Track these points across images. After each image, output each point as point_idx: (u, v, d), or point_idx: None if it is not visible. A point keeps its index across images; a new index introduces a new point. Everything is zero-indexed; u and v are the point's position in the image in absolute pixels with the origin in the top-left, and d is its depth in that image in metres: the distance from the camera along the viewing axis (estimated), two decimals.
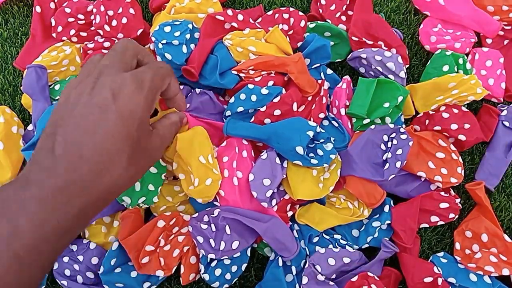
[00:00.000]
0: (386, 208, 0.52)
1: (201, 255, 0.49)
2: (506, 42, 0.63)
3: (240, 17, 0.57)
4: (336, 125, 0.55)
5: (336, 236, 0.52)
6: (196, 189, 0.48)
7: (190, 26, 0.55)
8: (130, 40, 0.44)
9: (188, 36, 0.54)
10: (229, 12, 0.57)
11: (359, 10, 0.60)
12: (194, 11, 0.59)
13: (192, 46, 0.55)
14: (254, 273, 0.53)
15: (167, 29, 0.54)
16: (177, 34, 0.54)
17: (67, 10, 0.59)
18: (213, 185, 0.48)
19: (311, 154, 0.50)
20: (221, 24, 0.57)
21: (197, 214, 0.50)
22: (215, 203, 0.51)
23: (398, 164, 0.50)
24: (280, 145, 0.49)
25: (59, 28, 0.59)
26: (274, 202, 0.49)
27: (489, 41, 0.63)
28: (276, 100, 0.52)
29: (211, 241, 0.47)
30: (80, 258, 0.50)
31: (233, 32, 0.57)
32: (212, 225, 0.48)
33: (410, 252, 0.52)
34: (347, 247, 0.51)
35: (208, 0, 0.59)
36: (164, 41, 0.53)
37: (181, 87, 0.55)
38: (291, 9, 0.59)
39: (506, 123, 0.57)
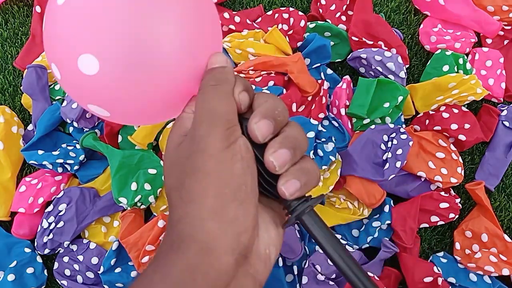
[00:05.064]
0: (386, 208, 0.52)
1: None
2: (506, 42, 0.63)
3: (237, 19, 0.57)
4: (336, 125, 0.55)
5: (336, 236, 0.52)
6: None
7: None
8: None
9: None
10: (226, 15, 0.57)
11: (359, 10, 0.60)
12: None
13: None
14: None
15: None
16: None
17: None
18: None
19: (312, 155, 0.50)
20: None
21: None
22: None
23: (398, 164, 0.50)
24: None
25: None
26: None
27: (489, 41, 0.63)
28: None
29: None
30: (80, 258, 0.50)
31: (231, 34, 0.57)
32: None
33: (410, 252, 0.52)
34: (347, 247, 0.51)
35: None
36: None
37: None
38: (291, 9, 0.59)
39: (506, 123, 0.57)
